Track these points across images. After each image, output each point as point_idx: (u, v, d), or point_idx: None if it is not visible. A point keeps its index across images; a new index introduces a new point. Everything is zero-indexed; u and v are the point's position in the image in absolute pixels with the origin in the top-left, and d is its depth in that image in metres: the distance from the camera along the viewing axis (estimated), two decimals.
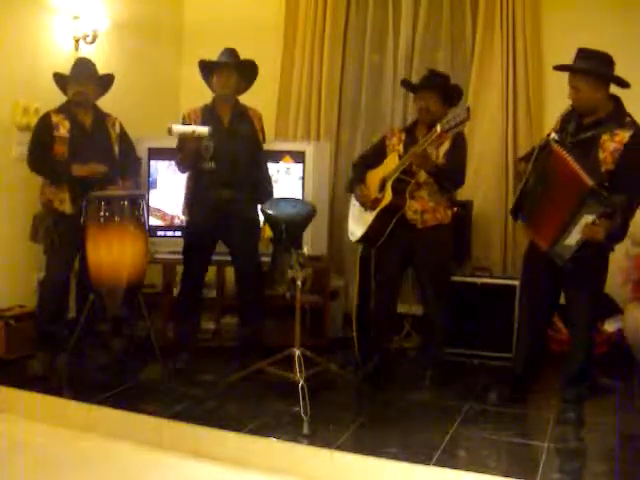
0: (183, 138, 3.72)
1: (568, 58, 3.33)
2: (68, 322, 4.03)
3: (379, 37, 4.90)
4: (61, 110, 3.83)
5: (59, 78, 3.85)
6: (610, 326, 4.09)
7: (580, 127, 3.16)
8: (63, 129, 3.78)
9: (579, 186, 2.95)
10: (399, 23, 4.82)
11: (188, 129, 3.69)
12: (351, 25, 4.96)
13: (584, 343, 3.27)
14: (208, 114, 3.87)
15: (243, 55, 3.86)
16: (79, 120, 3.85)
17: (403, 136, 3.78)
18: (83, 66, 3.88)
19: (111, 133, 3.97)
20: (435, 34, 4.77)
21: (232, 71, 3.81)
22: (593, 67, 3.12)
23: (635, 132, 3.03)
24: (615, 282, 3.94)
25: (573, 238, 2.99)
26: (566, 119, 3.25)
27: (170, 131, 3.62)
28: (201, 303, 4.13)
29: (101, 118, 3.96)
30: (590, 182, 2.91)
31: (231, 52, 3.85)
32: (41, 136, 3.78)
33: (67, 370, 3.76)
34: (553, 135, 3.14)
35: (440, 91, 3.67)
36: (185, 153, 3.80)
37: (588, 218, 2.92)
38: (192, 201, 3.92)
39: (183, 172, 3.97)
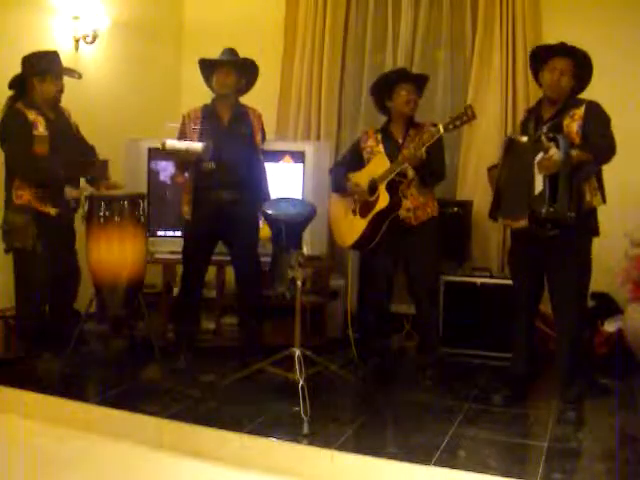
0: (176, 153, 3.72)
1: None
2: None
3: (379, 37, 4.91)
4: (31, 106, 3.66)
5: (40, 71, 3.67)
6: (610, 326, 4.09)
7: (540, 122, 3.29)
8: (41, 127, 3.64)
9: (521, 147, 3.17)
10: (399, 23, 4.82)
11: (182, 146, 3.69)
12: (351, 25, 4.96)
13: (569, 340, 3.31)
14: (208, 114, 3.87)
15: (243, 55, 3.85)
16: (48, 116, 3.72)
17: (379, 136, 3.78)
18: (58, 60, 3.75)
19: (72, 124, 3.91)
20: (435, 34, 4.77)
21: (231, 70, 3.80)
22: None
23: (588, 104, 3.21)
24: (615, 282, 3.94)
25: (538, 183, 3.08)
26: (525, 122, 3.39)
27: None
28: (201, 303, 4.13)
29: (61, 111, 3.85)
30: (524, 138, 3.16)
31: (231, 51, 3.84)
32: (22, 135, 3.59)
33: (67, 370, 3.76)
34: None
35: (418, 85, 3.73)
36: (178, 165, 3.83)
37: (538, 158, 3.06)
38: (192, 201, 3.92)
39: (180, 180, 3.97)
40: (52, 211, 3.68)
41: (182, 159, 3.76)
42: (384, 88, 3.76)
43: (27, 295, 3.76)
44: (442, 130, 3.37)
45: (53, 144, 3.67)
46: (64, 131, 3.81)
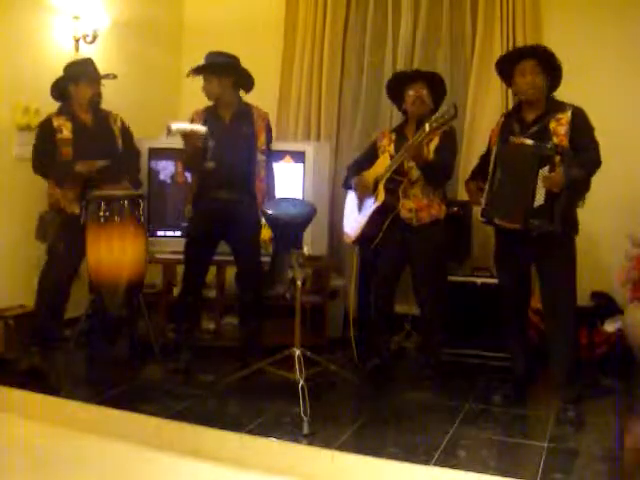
0: (182, 136, 3.71)
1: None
2: (70, 321, 4.04)
3: (379, 37, 4.90)
4: (61, 112, 3.82)
5: (68, 78, 3.81)
6: (610, 326, 4.09)
7: (525, 125, 3.31)
8: (66, 131, 3.77)
9: (526, 150, 3.18)
10: (399, 23, 4.81)
11: (187, 127, 3.69)
12: (351, 25, 4.96)
13: (565, 339, 3.31)
14: (211, 114, 3.87)
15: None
16: (81, 120, 3.84)
17: (393, 136, 3.80)
18: (92, 66, 3.88)
19: (114, 129, 3.96)
20: (435, 34, 4.77)
21: (209, 75, 3.77)
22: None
23: (574, 109, 3.26)
24: (615, 282, 3.95)
25: (540, 197, 3.14)
26: (505, 125, 3.41)
27: (169, 129, 3.61)
28: (202, 303, 4.12)
29: (102, 116, 3.95)
30: (530, 141, 3.17)
31: (213, 55, 3.79)
32: (44, 143, 3.78)
33: (67, 370, 3.76)
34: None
35: (429, 82, 3.73)
36: (188, 153, 3.79)
37: (544, 171, 3.12)
38: (194, 201, 3.92)
39: (190, 172, 3.98)
40: (76, 210, 3.73)
41: (189, 142, 3.71)
42: (396, 91, 3.81)
43: (43, 293, 3.80)
44: (427, 129, 3.37)
45: (80, 146, 3.77)
46: (97, 135, 3.87)
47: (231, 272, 4.41)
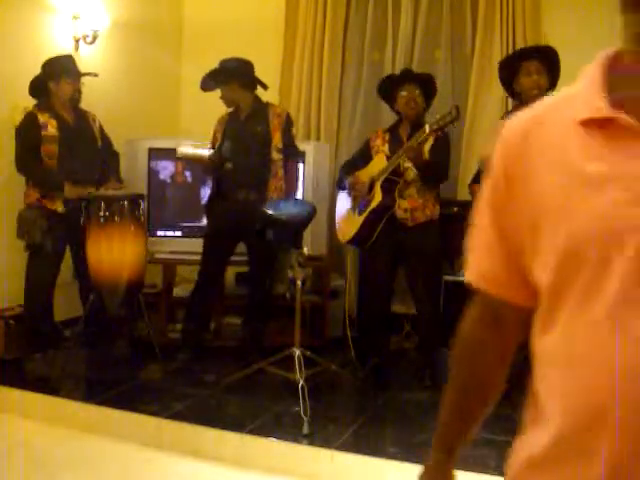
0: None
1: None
2: (70, 321, 4.04)
3: (379, 37, 4.90)
4: (44, 108, 3.76)
5: (48, 74, 3.78)
6: None
7: None
8: (52, 128, 3.73)
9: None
10: (399, 23, 4.81)
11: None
12: (351, 25, 4.95)
13: None
14: (232, 116, 3.89)
15: (243, 55, 3.84)
16: (64, 118, 3.82)
17: (387, 136, 3.80)
18: (72, 62, 3.85)
19: (93, 128, 3.96)
20: (435, 34, 4.76)
21: (221, 84, 3.79)
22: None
23: None
24: None
25: None
26: None
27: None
28: (214, 304, 4.12)
29: (82, 114, 3.93)
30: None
31: (222, 62, 3.79)
32: (29, 137, 3.72)
33: (67, 370, 3.76)
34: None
35: (421, 84, 3.74)
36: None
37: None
38: (213, 202, 3.92)
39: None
40: (59, 208, 3.73)
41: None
42: (388, 91, 3.81)
43: (32, 293, 3.81)
44: (427, 130, 3.37)
45: (66, 144, 3.74)
46: (80, 133, 3.87)
47: (231, 272, 4.41)
